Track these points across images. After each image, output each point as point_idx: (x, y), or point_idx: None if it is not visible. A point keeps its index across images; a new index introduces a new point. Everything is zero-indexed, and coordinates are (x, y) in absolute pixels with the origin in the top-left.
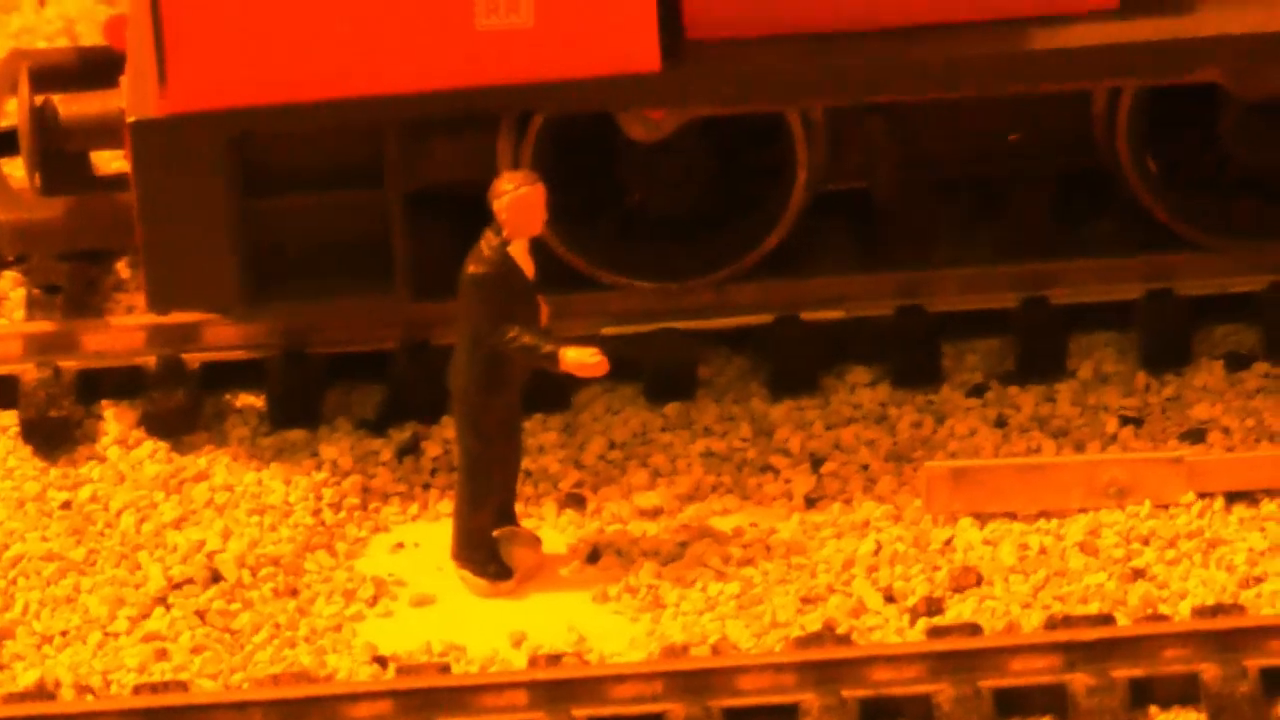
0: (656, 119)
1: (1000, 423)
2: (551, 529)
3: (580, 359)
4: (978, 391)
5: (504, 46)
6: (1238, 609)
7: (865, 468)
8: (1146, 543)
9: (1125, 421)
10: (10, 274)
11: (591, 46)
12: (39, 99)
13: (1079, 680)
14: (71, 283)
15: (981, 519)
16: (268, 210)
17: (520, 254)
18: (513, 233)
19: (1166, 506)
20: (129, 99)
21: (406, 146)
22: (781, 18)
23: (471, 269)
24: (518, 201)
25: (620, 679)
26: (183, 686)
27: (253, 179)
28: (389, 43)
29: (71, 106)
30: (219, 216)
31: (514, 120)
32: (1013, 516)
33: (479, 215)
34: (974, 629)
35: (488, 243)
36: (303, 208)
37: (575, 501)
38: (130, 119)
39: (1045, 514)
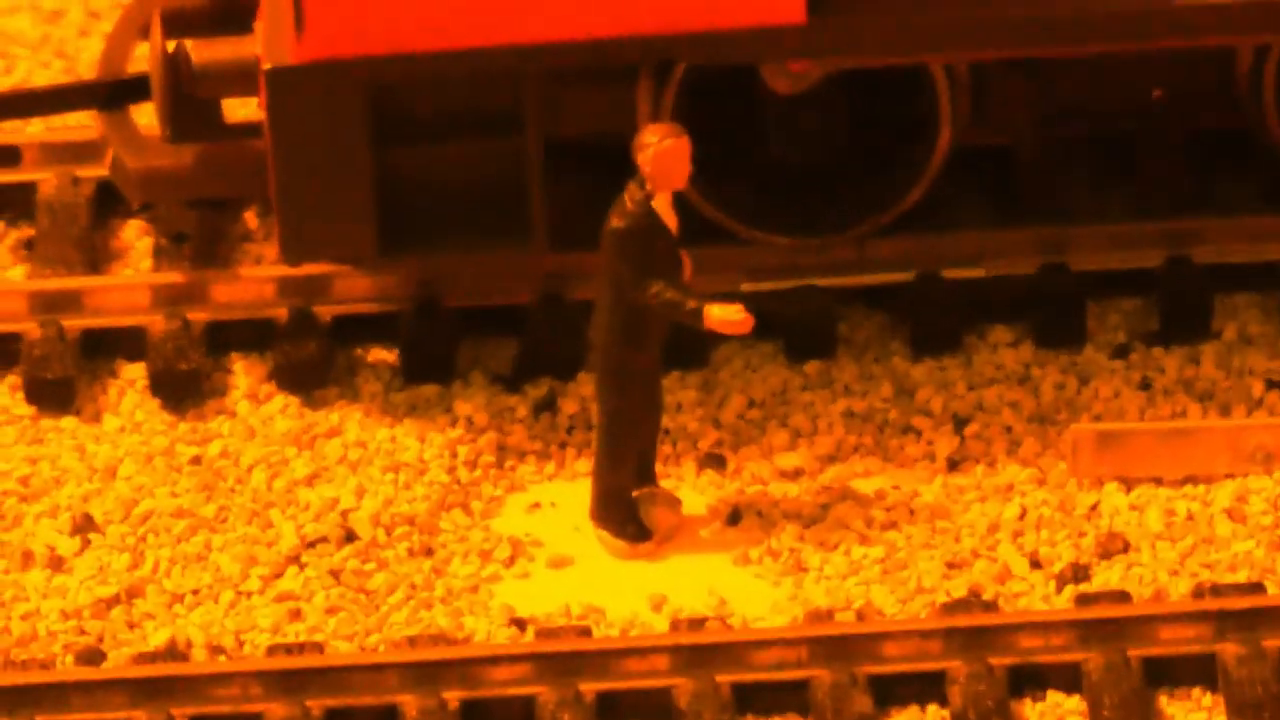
0: (800, 71)
1: (1145, 385)
2: (691, 489)
3: (725, 316)
4: (1121, 353)
5: None
6: None
7: (1009, 429)
8: None
9: (1271, 385)
10: (136, 223)
11: None
12: (171, 45)
13: (1229, 649)
14: (199, 232)
15: (1127, 484)
16: (404, 160)
17: (664, 208)
18: (657, 186)
19: None
20: (264, 45)
21: (545, 96)
22: None
23: (615, 223)
24: (663, 154)
25: (764, 644)
26: (318, 648)
27: (389, 128)
28: None
29: (204, 52)
30: (355, 166)
31: (654, 71)
32: (1159, 482)
33: (617, 166)
34: (1122, 596)
35: (631, 196)
36: (439, 157)
37: (715, 461)
38: (266, 66)
39: (1192, 479)
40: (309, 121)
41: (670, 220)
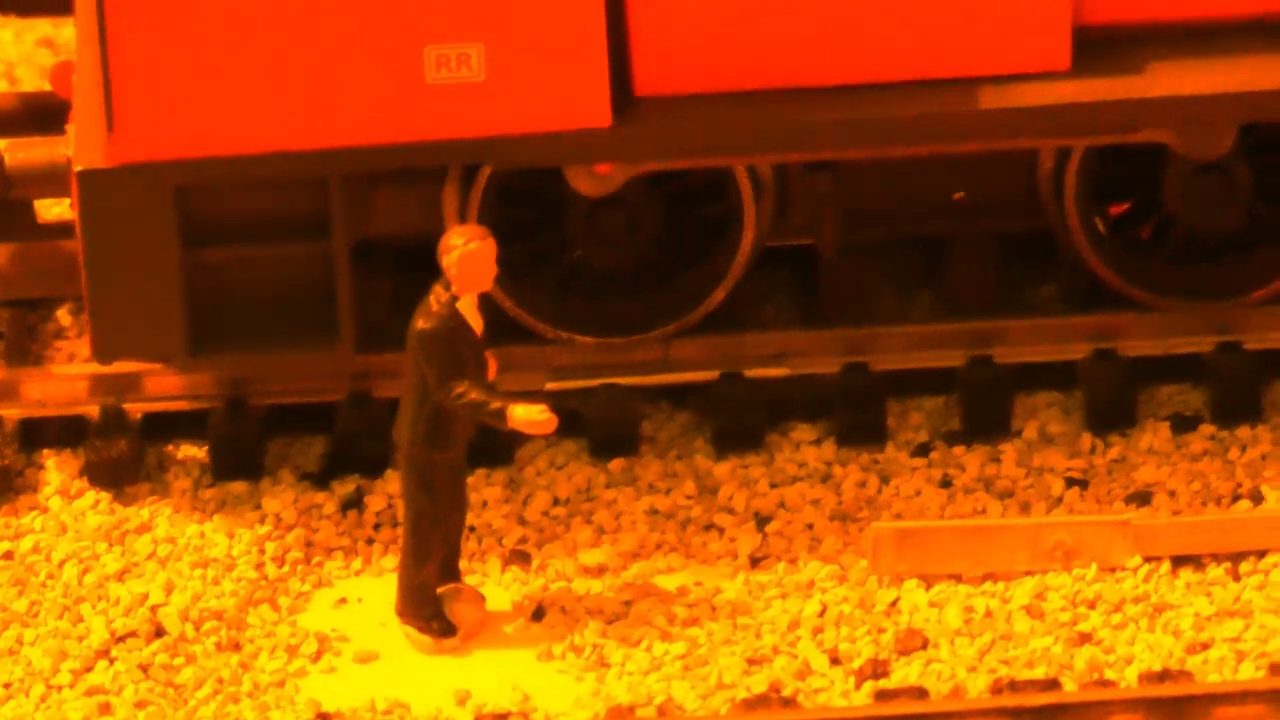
0: (605, 174)
1: (945, 483)
2: (496, 586)
3: (529, 416)
4: (923, 451)
5: (454, 101)
6: (1185, 675)
7: (810, 527)
8: (1093, 606)
9: (1071, 483)
10: None
11: (543, 102)
12: None
13: None
14: (11, 330)
15: (927, 580)
16: (213, 261)
17: (469, 309)
18: (462, 288)
19: (1113, 570)
20: (76, 147)
21: (353, 198)
22: (729, 75)
23: (420, 324)
24: (467, 257)
25: None
26: None
27: (199, 229)
28: (338, 96)
29: (18, 154)
30: (165, 266)
31: (461, 174)
32: (958, 578)
33: (424, 267)
34: (920, 693)
35: (437, 297)
36: (249, 258)
37: (520, 558)
38: (77, 168)
39: (991, 576)
40: (120, 223)
41: (475, 321)
